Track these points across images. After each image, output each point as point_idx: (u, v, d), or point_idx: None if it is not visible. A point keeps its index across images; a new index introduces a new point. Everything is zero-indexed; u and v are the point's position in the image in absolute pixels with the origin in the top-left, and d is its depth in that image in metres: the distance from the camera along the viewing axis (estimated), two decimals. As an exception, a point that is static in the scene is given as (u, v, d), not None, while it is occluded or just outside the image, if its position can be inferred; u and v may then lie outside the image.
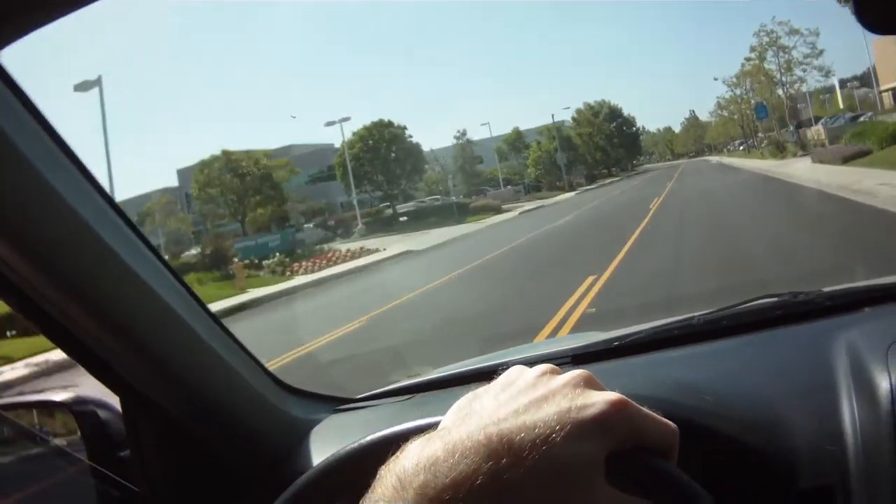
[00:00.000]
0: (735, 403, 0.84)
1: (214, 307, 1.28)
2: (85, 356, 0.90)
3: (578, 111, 66.25)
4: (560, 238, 15.75)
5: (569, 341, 1.27)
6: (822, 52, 36.38)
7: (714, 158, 61.12)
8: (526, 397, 0.46)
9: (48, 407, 1.14)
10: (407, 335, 7.42)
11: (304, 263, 20.80)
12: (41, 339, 0.92)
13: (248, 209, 33.82)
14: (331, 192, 44.17)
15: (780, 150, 32.25)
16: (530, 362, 0.59)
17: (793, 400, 0.81)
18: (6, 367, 9.76)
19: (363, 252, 22.07)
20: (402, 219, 34.42)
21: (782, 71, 37.72)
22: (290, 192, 41.71)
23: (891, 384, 0.73)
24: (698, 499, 0.45)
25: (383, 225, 33.93)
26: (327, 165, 41.47)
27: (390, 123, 38.87)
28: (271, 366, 1.15)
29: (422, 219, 33.58)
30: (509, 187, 48.94)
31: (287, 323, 11.31)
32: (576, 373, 0.49)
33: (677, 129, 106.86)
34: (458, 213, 33.69)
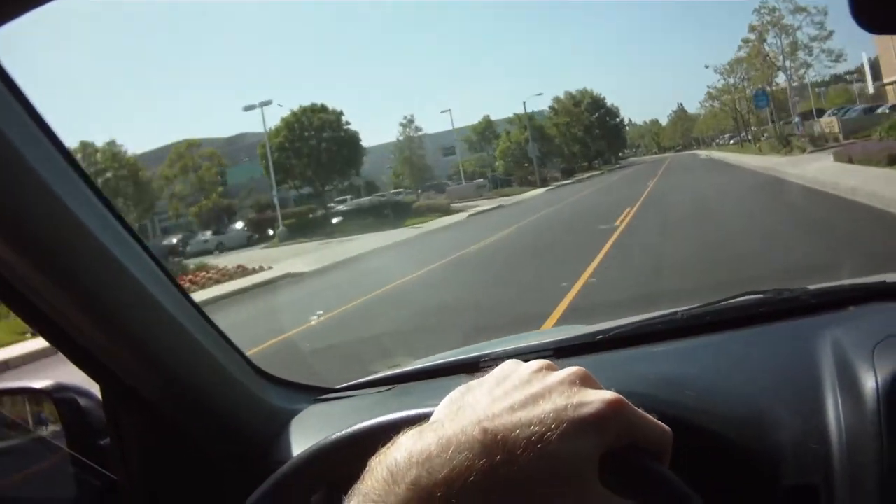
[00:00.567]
0: (718, 400, 0.83)
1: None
2: (65, 344, 0.89)
3: (557, 100, 60.78)
4: (485, 268, 11.00)
5: (551, 335, 1.26)
6: (831, 33, 31.05)
7: (703, 152, 56.81)
8: (521, 393, 0.46)
9: (28, 394, 1.12)
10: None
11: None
12: (15, 323, 0.92)
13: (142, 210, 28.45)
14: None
15: (783, 145, 27.22)
16: (512, 355, 0.61)
17: (777, 397, 0.81)
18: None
19: (238, 273, 16.57)
20: (336, 220, 28.94)
21: (785, 54, 32.26)
22: (231, 187, 35.81)
23: (876, 383, 0.73)
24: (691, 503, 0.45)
25: (311, 227, 28.53)
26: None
27: (323, 108, 33.48)
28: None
29: (358, 220, 28.33)
30: (473, 182, 43.38)
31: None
32: (572, 370, 0.48)
33: (664, 121, 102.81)
34: (397, 214, 28.45)
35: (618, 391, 0.46)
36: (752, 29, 33.79)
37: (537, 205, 25.19)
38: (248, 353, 1.10)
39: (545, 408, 0.43)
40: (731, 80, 45.21)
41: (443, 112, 52.76)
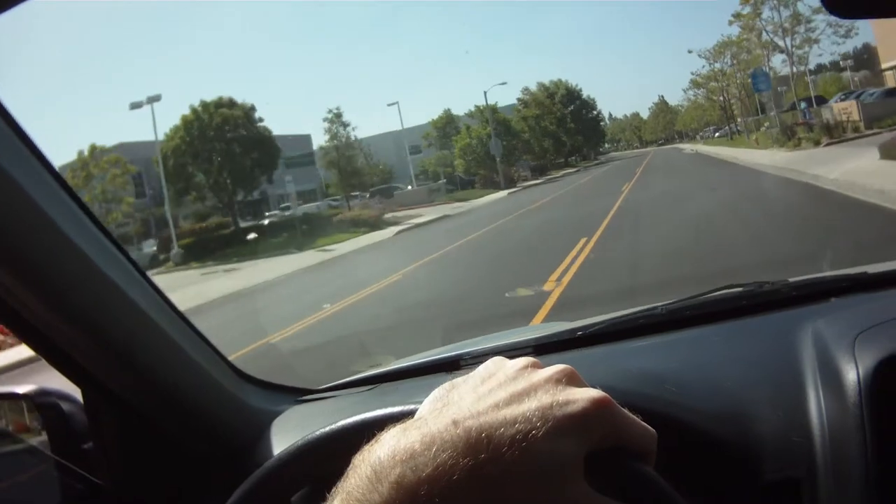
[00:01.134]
0: (700, 394, 0.83)
1: None
2: (46, 348, 0.89)
3: (527, 91, 55.07)
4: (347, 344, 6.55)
5: (532, 331, 1.27)
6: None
7: (687, 147, 51.70)
8: (506, 391, 0.45)
9: (10, 399, 1.11)
10: None
11: None
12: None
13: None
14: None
15: (787, 137, 21.95)
16: (492, 353, 0.60)
17: (758, 390, 0.81)
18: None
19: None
20: (250, 236, 23.59)
21: (785, 29, 27.18)
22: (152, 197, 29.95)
23: (857, 375, 0.73)
24: None
25: (215, 247, 23.13)
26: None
27: (230, 102, 27.12)
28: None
29: (272, 237, 23.32)
30: (426, 185, 38.05)
31: None
32: (558, 367, 0.48)
33: (645, 115, 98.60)
34: (315, 229, 23.00)
35: (600, 387, 0.46)
36: (744, 1, 28.75)
37: (484, 217, 20.48)
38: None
39: (530, 406, 0.43)
40: (718, 66, 40.10)
41: (389, 105, 45.51)
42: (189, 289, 14.61)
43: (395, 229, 22.37)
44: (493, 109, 41.57)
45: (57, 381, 1.00)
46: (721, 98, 41.27)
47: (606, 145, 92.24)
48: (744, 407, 0.79)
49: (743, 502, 0.74)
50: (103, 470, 0.99)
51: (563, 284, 6.90)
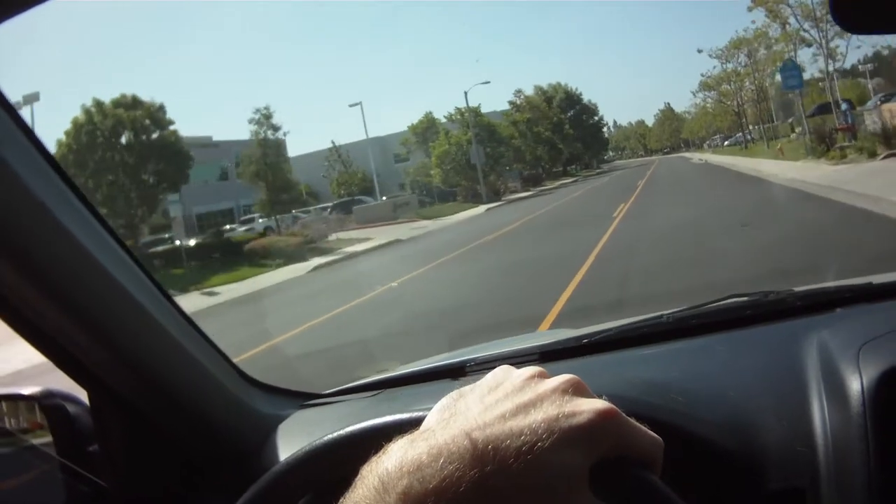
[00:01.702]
0: (704, 403, 0.84)
1: None
2: (53, 350, 0.89)
3: (520, 93, 50.29)
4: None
5: (538, 338, 1.27)
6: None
7: (695, 156, 46.86)
8: (513, 402, 0.45)
9: (16, 400, 1.11)
10: None
11: None
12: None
13: None
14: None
15: (826, 145, 17.99)
16: (498, 359, 0.59)
17: (763, 400, 0.81)
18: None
19: None
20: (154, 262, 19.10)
21: (817, 18, 22.51)
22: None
23: (861, 385, 0.73)
24: None
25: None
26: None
27: (132, 102, 21.24)
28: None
29: (176, 265, 18.64)
30: (389, 198, 33.39)
31: None
32: (564, 378, 0.48)
33: (651, 122, 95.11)
34: (209, 264, 18.41)
35: (605, 395, 0.46)
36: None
37: (437, 246, 16.17)
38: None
39: (536, 417, 0.43)
40: (731, 66, 35.37)
41: (352, 106, 39.10)
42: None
43: (315, 262, 17.87)
44: (476, 112, 36.71)
45: (63, 383, 1.00)
46: (735, 102, 36.56)
47: (611, 153, 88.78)
48: (748, 416, 0.79)
49: None
50: (108, 472, 0.99)
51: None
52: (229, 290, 14.81)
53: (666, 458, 0.47)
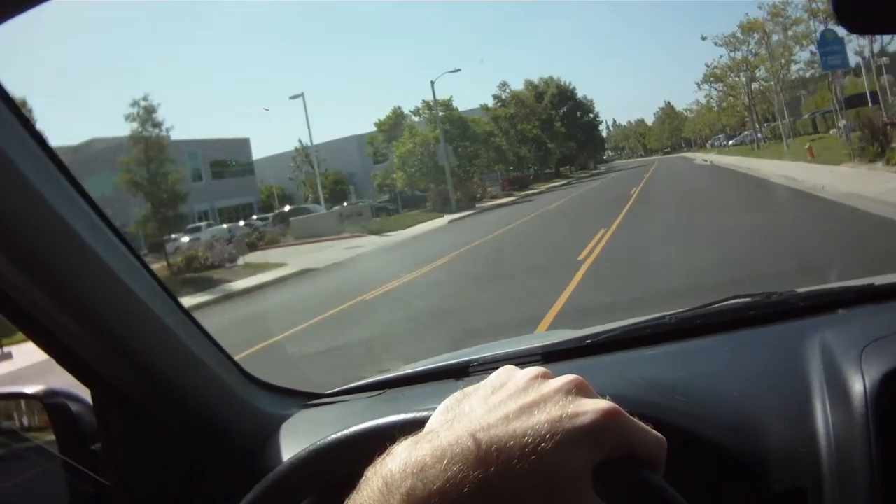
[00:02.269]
0: (707, 403, 0.84)
1: None
2: (56, 348, 0.89)
3: (505, 87, 45.36)
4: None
5: (540, 339, 1.28)
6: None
7: (698, 157, 42.17)
8: (516, 402, 0.46)
9: (19, 399, 1.11)
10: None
11: None
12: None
13: None
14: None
15: (879, 144, 13.81)
16: (501, 360, 0.60)
17: (765, 401, 0.81)
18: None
19: None
20: None
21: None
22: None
23: (864, 386, 0.73)
24: None
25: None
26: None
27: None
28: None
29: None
30: (338, 208, 28.78)
31: None
32: (568, 378, 0.48)
33: (650, 121, 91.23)
34: None
35: (609, 396, 0.47)
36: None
37: (355, 279, 12.80)
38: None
39: (540, 418, 0.43)
40: (741, 54, 30.77)
41: (293, 98, 32.73)
42: None
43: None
44: (446, 105, 32.18)
45: (66, 382, 1.00)
46: (744, 95, 32.02)
47: (609, 153, 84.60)
48: (751, 417, 0.79)
49: None
50: (111, 471, 0.99)
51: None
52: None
53: (669, 459, 0.47)
